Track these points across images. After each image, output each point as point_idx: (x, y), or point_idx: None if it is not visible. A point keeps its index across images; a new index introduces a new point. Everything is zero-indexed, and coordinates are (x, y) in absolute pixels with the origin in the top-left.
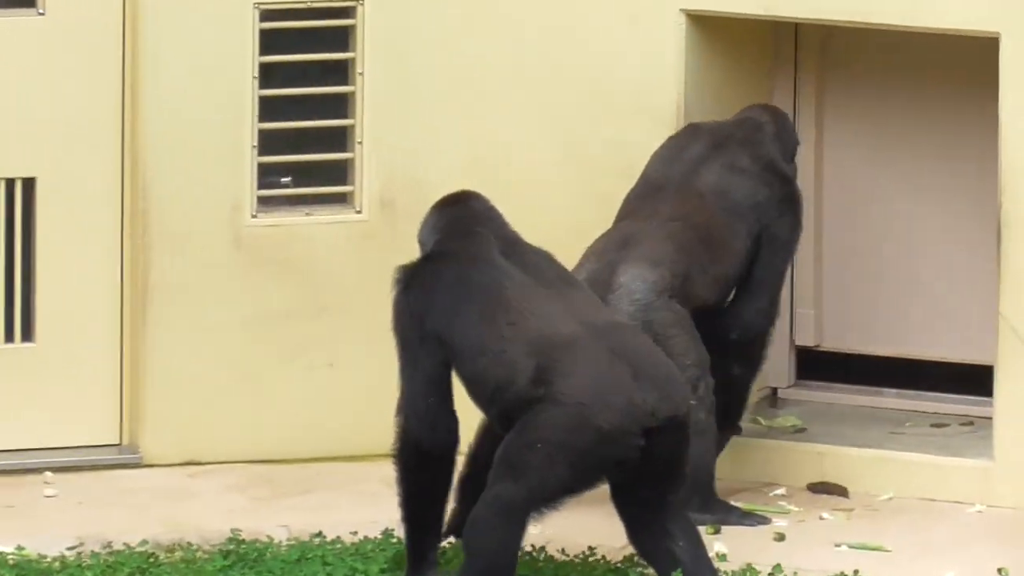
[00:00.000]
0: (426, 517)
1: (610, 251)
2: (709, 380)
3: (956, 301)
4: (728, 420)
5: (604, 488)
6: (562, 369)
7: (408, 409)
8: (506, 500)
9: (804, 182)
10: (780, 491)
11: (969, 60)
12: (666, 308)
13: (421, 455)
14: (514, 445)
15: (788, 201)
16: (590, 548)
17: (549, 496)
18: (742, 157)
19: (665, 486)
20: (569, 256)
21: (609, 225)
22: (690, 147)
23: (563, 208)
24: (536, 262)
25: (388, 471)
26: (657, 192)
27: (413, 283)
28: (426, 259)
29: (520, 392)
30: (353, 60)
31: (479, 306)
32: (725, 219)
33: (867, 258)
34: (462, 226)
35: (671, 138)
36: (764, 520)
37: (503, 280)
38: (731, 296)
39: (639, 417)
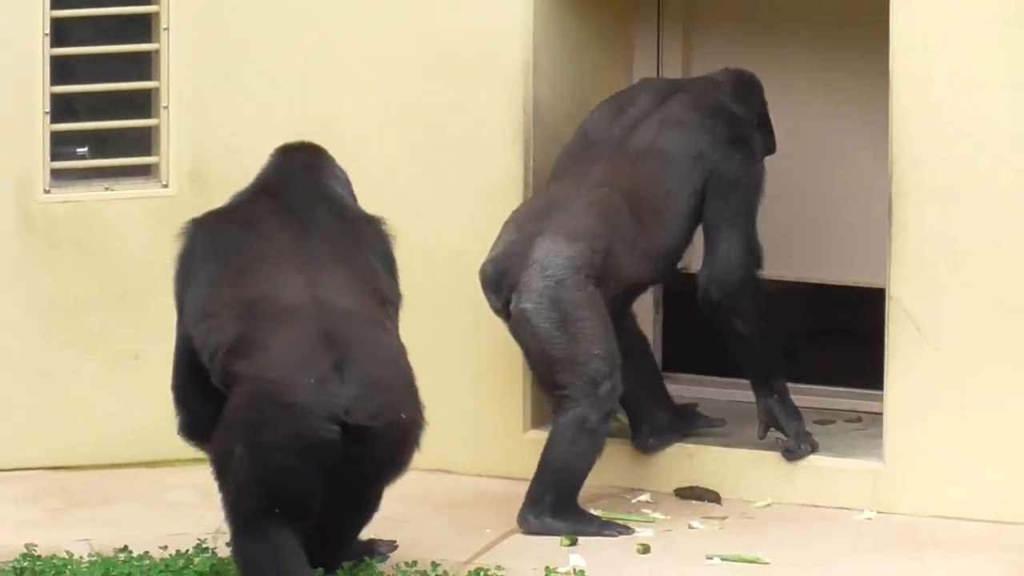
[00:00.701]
0: None
1: (531, 220)
2: (617, 383)
3: (841, 224)
4: (766, 385)
5: (454, 498)
6: (260, 341)
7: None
8: (228, 512)
9: None
10: (644, 497)
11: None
12: (578, 287)
13: (186, 439)
14: (212, 443)
15: (736, 142)
16: (433, 563)
17: (266, 494)
18: (683, 109)
19: (340, 512)
20: (404, 230)
21: (452, 201)
22: (636, 101)
23: (400, 179)
24: (321, 229)
25: (200, 478)
26: (590, 150)
27: (182, 245)
28: (204, 216)
29: (225, 362)
30: (157, 14)
31: (215, 269)
32: (663, 181)
33: None
34: (264, 181)
35: (619, 93)
36: (625, 530)
37: (255, 242)
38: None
39: (330, 404)
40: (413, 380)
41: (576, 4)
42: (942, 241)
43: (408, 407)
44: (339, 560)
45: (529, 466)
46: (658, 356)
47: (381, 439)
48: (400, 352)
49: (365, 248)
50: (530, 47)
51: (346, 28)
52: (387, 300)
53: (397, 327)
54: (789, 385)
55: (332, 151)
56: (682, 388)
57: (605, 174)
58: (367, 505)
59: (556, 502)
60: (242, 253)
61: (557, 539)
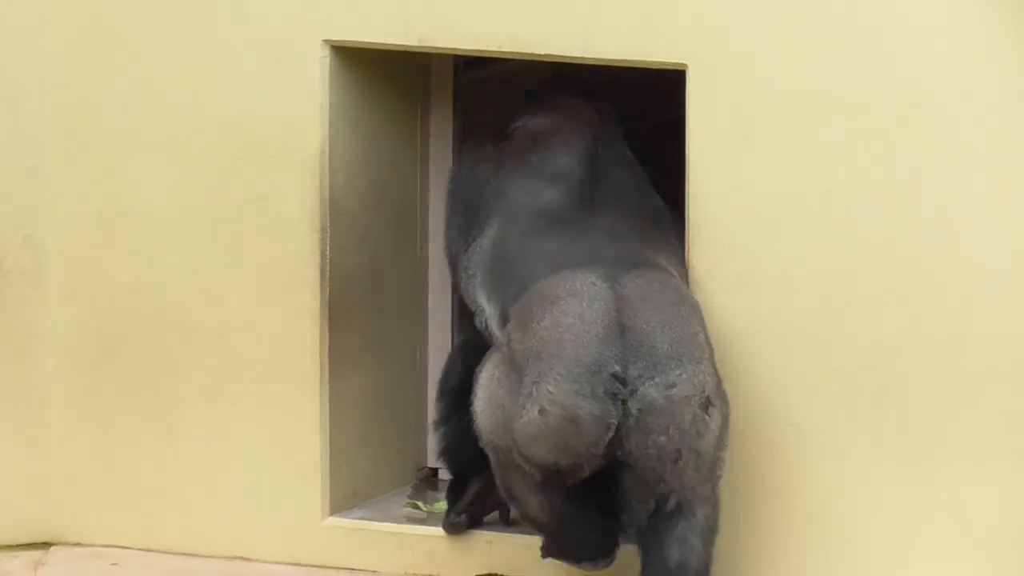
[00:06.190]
0: None
1: None
2: None
3: None
4: None
5: None
6: None
7: None
8: None
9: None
10: None
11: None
12: None
13: None
14: None
15: None
16: None
17: None
18: None
19: None
20: (203, 318)
21: (251, 290)
22: None
23: (201, 266)
24: None
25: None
26: None
27: None
28: None
29: None
30: None
31: None
32: None
33: None
34: None
35: None
36: None
37: None
38: None
39: None
40: None
41: (372, 93)
42: (741, 329)
43: None
44: None
45: (328, 554)
46: None
47: None
48: None
49: None
50: (327, 135)
51: (142, 110)
52: None
53: None
54: None
55: (129, 236)
56: None
57: None
58: None
59: None
60: None
61: None
